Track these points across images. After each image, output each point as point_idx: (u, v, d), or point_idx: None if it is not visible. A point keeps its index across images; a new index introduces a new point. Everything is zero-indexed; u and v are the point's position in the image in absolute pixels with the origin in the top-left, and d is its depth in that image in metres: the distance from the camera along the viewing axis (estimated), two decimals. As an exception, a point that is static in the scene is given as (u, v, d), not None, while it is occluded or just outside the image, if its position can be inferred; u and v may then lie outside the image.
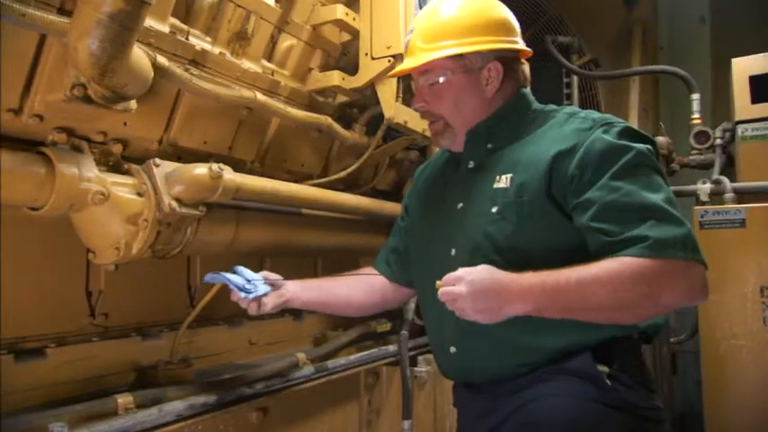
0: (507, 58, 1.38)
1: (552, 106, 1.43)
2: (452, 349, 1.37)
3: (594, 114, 1.31)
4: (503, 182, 1.31)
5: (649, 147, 1.26)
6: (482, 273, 1.15)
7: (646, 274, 1.11)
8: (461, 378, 1.43)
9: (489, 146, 1.39)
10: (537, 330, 1.23)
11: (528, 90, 1.46)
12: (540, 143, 1.30)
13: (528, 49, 1.41)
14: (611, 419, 1.21)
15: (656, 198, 1.16)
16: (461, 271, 1.16)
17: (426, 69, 1.35)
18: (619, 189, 1.17)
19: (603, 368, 1.24)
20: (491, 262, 1.24)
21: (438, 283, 1.19)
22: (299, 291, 1.54)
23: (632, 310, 1.16)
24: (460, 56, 1.31)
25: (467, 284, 1.14)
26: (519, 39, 1.41)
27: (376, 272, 1.68)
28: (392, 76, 1.42)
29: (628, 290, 1.11)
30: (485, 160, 1.39)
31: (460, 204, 1.40)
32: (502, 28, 1.37)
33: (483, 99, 1.38)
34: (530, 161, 1.29)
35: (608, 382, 1.22)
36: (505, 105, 1.40)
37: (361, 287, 1.64)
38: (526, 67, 1.44)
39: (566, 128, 1.29)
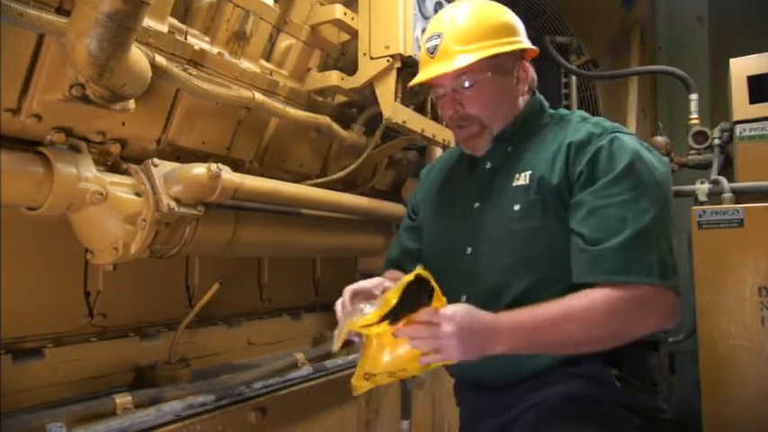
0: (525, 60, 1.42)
1: (564, 111, 1.45)
2: None
3: (606, 122, 1.33)
4: (522, 179, 1.32)
5: (656, 158, 1.27)
6: (467, 315, 1.12)
7: (612, 311, 1.14)
8: (473, 380, 1.43)
9: (510, 149, 1.40)
10: None
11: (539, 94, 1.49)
12: (555, 142, 1.33)
13: (536, 48, 1.43)
14: (621, 420, 1.24)
15: (643, 215, 1.18)
16: (449, 311, 1.11)
17: (462, 72, 1.32)
18: (610, 197, 1.19)
19: (613, 371, 1.27)
20: (515, 259, 1.26)
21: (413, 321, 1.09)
22: None
23: (602, 343, 1.19)
24: (494, 57, 1.31)
25: (455, 325, 1.09)
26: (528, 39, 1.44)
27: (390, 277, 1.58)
28: (428, 81, 1.37)
29: (597, 327, 1.15)
30: (503, 162, 1.40)
31: (477, 204, 1.40)
32: (519, 29, 1.38)
33: (515, 99, 1.39)
34: (546, 157, 1.31)
35: (618, 384, 1.26)
36: (527, 108, 1.41)
37: None
38: (533, 70, 1.46)
39: (580, 128, 1.32)
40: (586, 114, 1.39)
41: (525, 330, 1.15)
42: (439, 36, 1.34)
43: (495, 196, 1.36)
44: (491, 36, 1.32)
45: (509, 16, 1.39)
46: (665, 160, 1.31)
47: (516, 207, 1.30)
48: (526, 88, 1.41)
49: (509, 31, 1.35)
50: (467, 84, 1.33)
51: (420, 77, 1.38)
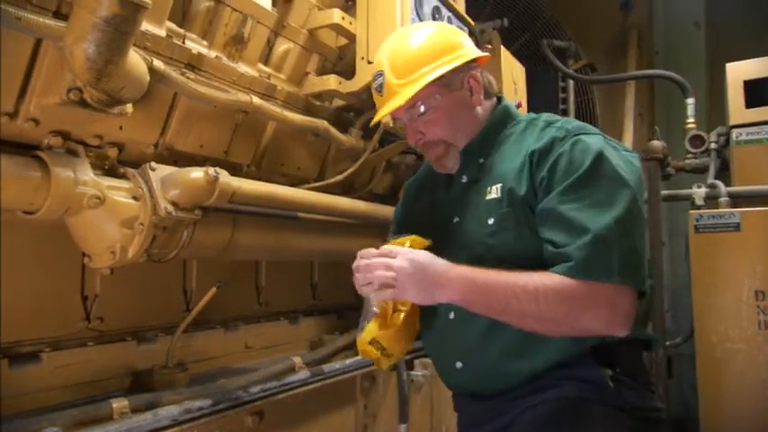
0: (475, 68, 1.42)
1: (532, 115, 1.45)
2: (459, 365, 1.38)
3: (570, 124, 1.32)
4: (494, 193, 1.33)
5: (622, 156, 1.27)
6: (423, 254, 1.21)
7: (568, 295, 1.15)
8: (469, 390, 1.43)
9: (481, 160, 1.41)
10: (541, 337, 1.25)
11: (508, 101, 1.49)
12: (521, 151, 1.33)
13: (485, 53, 1.43)
14: (616, 420, 1.25)
15: (603, 215, 1.17)
16: (404, 249, 1.21)
17: (412, 103, 1.35)
18: (572, 201, 1.20)
19: (607, 371, 1.27)
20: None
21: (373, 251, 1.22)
22: None
23: (550, 325, 1.21)
24: (441, 77, 1.32)
25: (408, 261, 1.19)
26: (474, 47, 1.44)
27: None
28: (379, 119, 1.40)
29: (548, 306, 1.16)
30: (477, 174, 1.41)
31: (456, 219, 1.41)
32: (459, 42, 1.39)
33: (473, 111, 1.41)
34: (514, 168, 1.32)
35: (611, 384, 1.26)
36: (493, 119, 1.43)
37: None
38: (488, 74, 1.46)
39: (543, 133, 1.33)
40: (553, 117, 1.39)
41: (477, 286, 1.20)
42: (381, 74, 1.36)
43: (471, 210, 1.38)
44: (429, 60, 1.32)
45: (444, 33, 1.40)
46: (633, 160, 1.30)
47: (491, 221, 1.31)
48: (482, 96, 1.41)
49: (447, 48, 1.35)
50: (421, 109, 1.35)
51: (376, 118, 1.41)
